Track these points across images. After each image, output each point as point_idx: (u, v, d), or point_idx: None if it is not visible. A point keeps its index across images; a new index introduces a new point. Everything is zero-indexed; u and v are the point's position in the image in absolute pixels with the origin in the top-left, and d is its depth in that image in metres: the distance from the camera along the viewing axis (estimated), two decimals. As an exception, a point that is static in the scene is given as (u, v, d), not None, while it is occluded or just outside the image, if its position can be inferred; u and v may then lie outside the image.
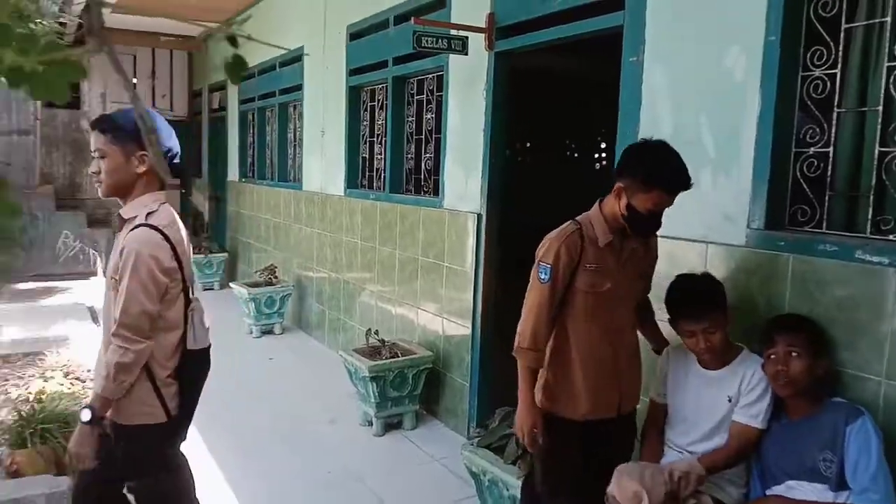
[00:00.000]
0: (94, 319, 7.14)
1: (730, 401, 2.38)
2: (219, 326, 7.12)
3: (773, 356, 2.21)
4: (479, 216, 4.22)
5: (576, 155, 10.05)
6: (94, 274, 9.61)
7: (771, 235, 2.52)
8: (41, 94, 0.80)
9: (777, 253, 2.49)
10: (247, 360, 5.98)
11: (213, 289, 8.99)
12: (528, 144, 9.93)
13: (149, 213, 2.14)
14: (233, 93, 9.18)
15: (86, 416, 2.13)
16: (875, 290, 2.19)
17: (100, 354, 2.35)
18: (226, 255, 9.23)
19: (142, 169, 2.18)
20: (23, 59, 0.77)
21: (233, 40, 0.98)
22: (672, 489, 2.18)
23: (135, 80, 11.10)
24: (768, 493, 2.25)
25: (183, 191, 12.20)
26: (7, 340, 5.77)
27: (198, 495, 2.61)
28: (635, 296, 2.55)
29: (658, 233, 2.66)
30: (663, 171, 2.27)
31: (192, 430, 4.24)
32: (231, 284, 7.18)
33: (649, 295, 2.68)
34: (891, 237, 2.28)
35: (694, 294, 2.40)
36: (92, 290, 8.48)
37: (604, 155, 9.53)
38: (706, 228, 2.77)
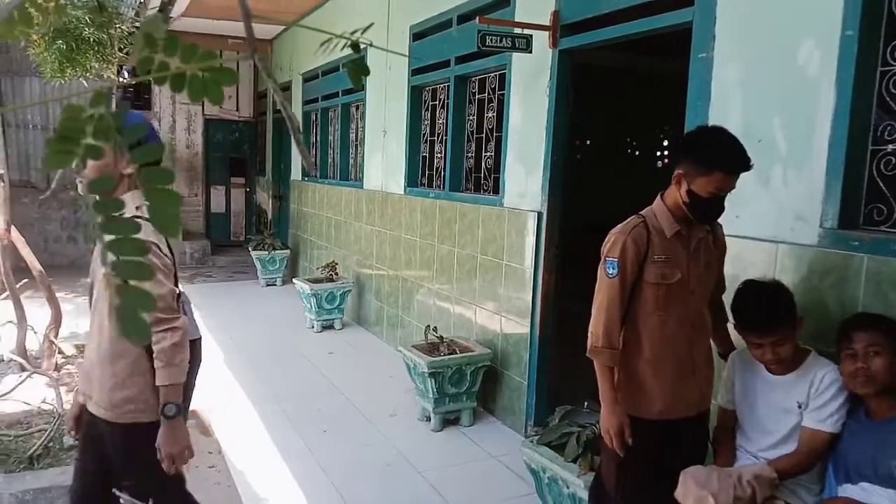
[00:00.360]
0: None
1: (800, 406, 2.32)
2: (281, 321, 7.41)
3: (851, 354, 2.14)
4: (540, 214, 4.22)
5: (637, 153, 9.91)
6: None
7: (845, 235, 2.45)
8: (199, 97, 0.88)
9: (851, 253, 2.41)
10: (308, 354, 6.12)
11: (275, 284, 9.22)
12: (589, 142, 9.85)
13: (137, 208, 2.11)
14: (297, 94, 9.39)
15: (170, 410, 2.13)
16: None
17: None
18: (288, 251, 9.45)
19: (129, 170, 2.16)
20: (185, 66, 0.87)
21: (356, 47, 1.05)
22: (741, 494, 2.14)
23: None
24: (840, 492, 2.19)
25: (247, 189, 12.57)
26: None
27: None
28: (708, 289, 2.49)
29: (727, 232, 2.63)
30: (721, 151, 2.24)
31: (257, 423, 4.43)
32: (294, 280, 7.36)
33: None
34: (976, 238, 2.19)
35: (761, 308, 2.32)
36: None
37: (665, 153, 9.37)
38: (776, 228, 2.70)
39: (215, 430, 4.32)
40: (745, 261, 2.78)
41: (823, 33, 2.52)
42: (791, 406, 2.34)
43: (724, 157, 2.23)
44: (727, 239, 2.60)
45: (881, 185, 2.46)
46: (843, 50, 2.46)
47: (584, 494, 2.71)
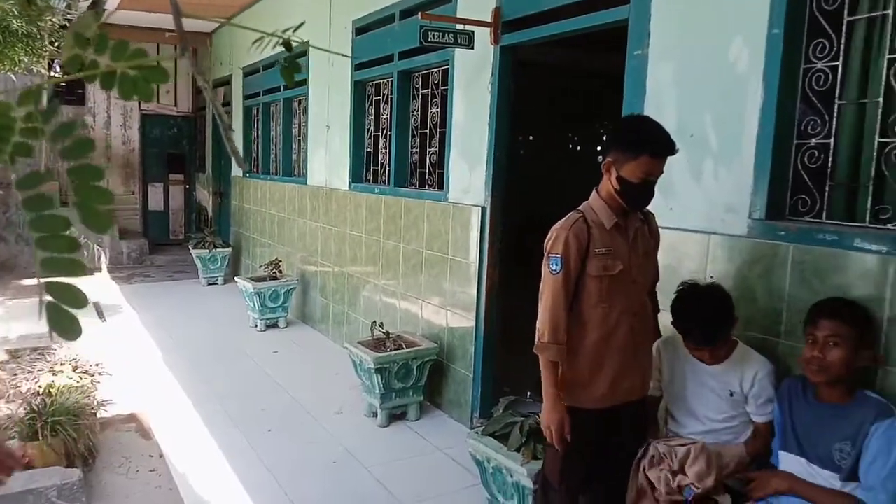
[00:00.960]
0: (100, 315, 7.20)
1: (732, 395, 2.43)
2: (223, 320, 7.26)
3: (812, 340, 2.15)
4: (483, 209, 4.26)
5: (578, 148, 10.09)
6: (99, 269, 9.68)
7: (772, 225, 2.56)
8: (129, 95, 0.89)
9: (778, 243, 2.52)
10: (251, 353, 6.02)
11: (217, 284, 9.03)
12: (532, 138, 9.98)
13: None
14: (237, 88, 9.21)
15: None
16: (871, 278, 2.23)
17: None
18: (230, 250, 9.27)
19: None
20: (115, 65, 0.88)
21: (288, 45, 1.05)
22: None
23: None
24: (781, 457, 2.28)
25: (187, 186, 12.27)
26: (15, 336, 5.83)
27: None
28: (648, 278, 2.57)
29: (662, 224, 2.71)
30: (646, 136, 2.32)
31: (199, 424, 4.34)
32: (236, 279, 7.23)
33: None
34: (889, 226, 2.32)
35: (705, 334, 2.42)
36: (97, 286, 8.54)
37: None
38: (709, 220, 2.80)
39: (155, 433, 4.22)
40: (679, 252, 2.88)
41: (751, 32, 2.62)
42: (723, 394, 2.45)
43: (650, 141, 2.30)
44: (662, 230, 2.68)
45: (805, 177, 2.58)
46: (769, 48, 2.57)
47: (528, 482, 2.76)
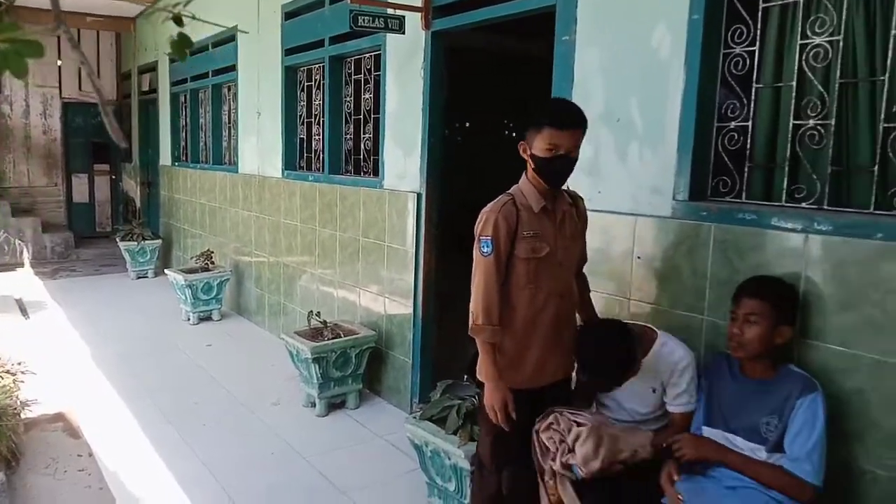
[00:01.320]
0: (23, 312, 6.88)
1: (654, 391, 2.47)
2: (154, 314, 7.06)
3: (733, 317, 2.23)
4: (419, 195, 4.25)
5: (514, 134, 10.18)
6: (21, 265, 9.25)
7: (695, 206, 2.64)
8: (1, 69, 0.86)
9: (700, 223, 2.61)
10: (184, 347, 5.87)
11: (147, 276, 8.75)
12: (468, 124, 10.00)
13: None
14: (164, 75, 8.90)
15: None
16: (788, 255, 2.34)
17: None
18: (160, 241, 8.99)
19: None
20: None
21: (178, 20, 1.01)
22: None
23: (59, 63, 10.62)
24: (705, 431, 2.31)
25: (113, 176, 11.81)
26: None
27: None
28: (574, 261, 2.60)
29: (591, 207, 2.76)
30: (548, 108, 2.42)
31: (130, 421, 4.21)
32: (166, 271, 7.01)
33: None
34: (803, 205, 2.43)
35: (600, 373, 2.46)
36: (20, 282, 8.16)
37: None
38: (635, 202, 2.87)
39: (84, 432, 4.07)
40: (608, 234, 2.94)
41: (673, 17, 2.69)
42: (646, 391, 2.48)
43: (551, 112, 2.37)
44: (591, 213, 2.73)
45: (726, 159, 2.67)
46: (690, 33, 2.64)
47: (466, 464, 2.80)
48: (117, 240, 8.94)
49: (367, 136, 5.00)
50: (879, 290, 2.10)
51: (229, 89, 7.26)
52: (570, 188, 2.58)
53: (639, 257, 2.84)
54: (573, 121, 2.33)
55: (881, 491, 2.12)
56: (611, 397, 2.60)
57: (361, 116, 5.04)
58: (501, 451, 2.54)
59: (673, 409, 2.45)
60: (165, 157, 9.18)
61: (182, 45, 1.00)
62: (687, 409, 2.41)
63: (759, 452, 2.14)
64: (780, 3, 2.50)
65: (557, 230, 2.47)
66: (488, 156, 9.47)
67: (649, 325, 2.55)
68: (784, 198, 2.49)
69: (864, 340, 2.14)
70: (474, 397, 3.05)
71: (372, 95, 4.86)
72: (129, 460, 3.76)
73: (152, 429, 4.15)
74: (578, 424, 2.39)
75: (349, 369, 4.44)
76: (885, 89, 2.22)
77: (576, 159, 2.38)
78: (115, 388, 4.84)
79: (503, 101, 9.29)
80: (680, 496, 2.19)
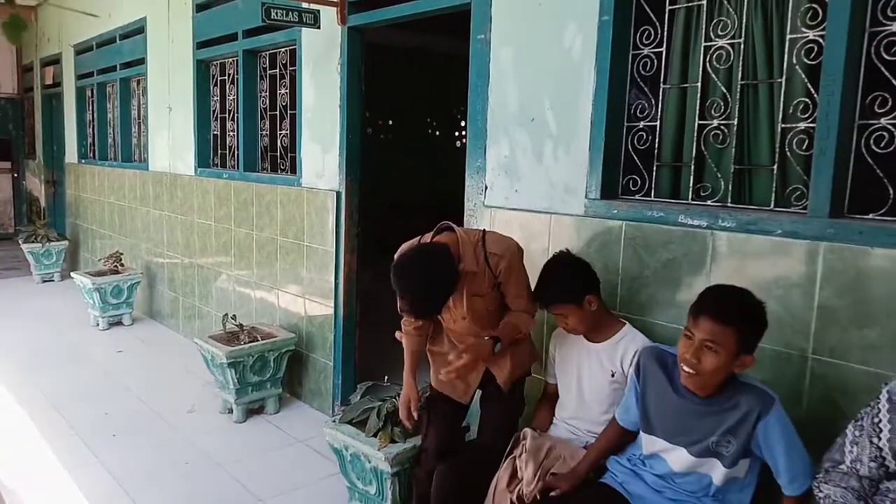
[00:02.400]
0: None
1: (612, 376, 2.45)
2: (60, 320, 6.69)
3: (689, 337, 1.94)
4: (338, 194, 4.17)
5: (437, 133, 10.18)
6: None
7: (606, 204, 2.69)
8: None
9: (611, 220, 2.66)
10: (92, 355, 5.58)
11: (53, 280, 8.28)
12: (391, 122, 9.94)
13: None
14: (69, 67, 8.43)
15: None
16: (694, 251, 2.41)
17: None
18: (66, 243, 8.51)
19: None
20: None
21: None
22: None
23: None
24: (646, 440, 2.20)
25: (15, 174, 11.13)
26: None
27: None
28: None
29: (508, 206, 2.79)
30: None
31: (33, 435, 3.96)
32: (73, 275, 6.64)
33: None
34: (709, 202, 2.51)
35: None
36: None
37: (464, 133, 9.73)
38: (550, 200, 2.90)
39: (-21, 449, 3.81)
40: (525, 231, 2.96)
41: (584, 18, 2.72)
42: (605, 375, 2.47)
43: None
44: (509, 212, 2.75)
45: (636, 158, 2.73)
46: (600, 34, 2.68)
47: (386, 467, 2.76)
48: (20, 241, 8.43)
49: (283, 132, 4.87)
50: (781, 285, 2.19)
51: (139, 83, 6.94)
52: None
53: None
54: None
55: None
56: (573, 387, 2.56)
57: (277, 112, 4.90)
58: (426, 448, 2.65)
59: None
60: (71, 153, 8.71)
61: (15, 28, 0.92)
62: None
63: (716, 466, 2.02)
64: (685, 5, 2.57)
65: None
66: (413, 154, 9.45)
67: (621, 319, 2.54)
68: (690, 195, 2.57)
69: (770, 335, 2.20)
70: (395, 398, 3.01)
71: (288, 91, 4.74)
72: (33, 477, 3.53)
73: (58, 442, 3.92)
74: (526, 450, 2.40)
75: (267, 374, 4.32)
76: (783, 91, 2.31)
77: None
78: (16, 400, 4.54)
79: (427, 99, 9.27)
80: None
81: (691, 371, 1.93)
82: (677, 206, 2.53)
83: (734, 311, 1.90)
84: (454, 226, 2.49)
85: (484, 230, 2.55)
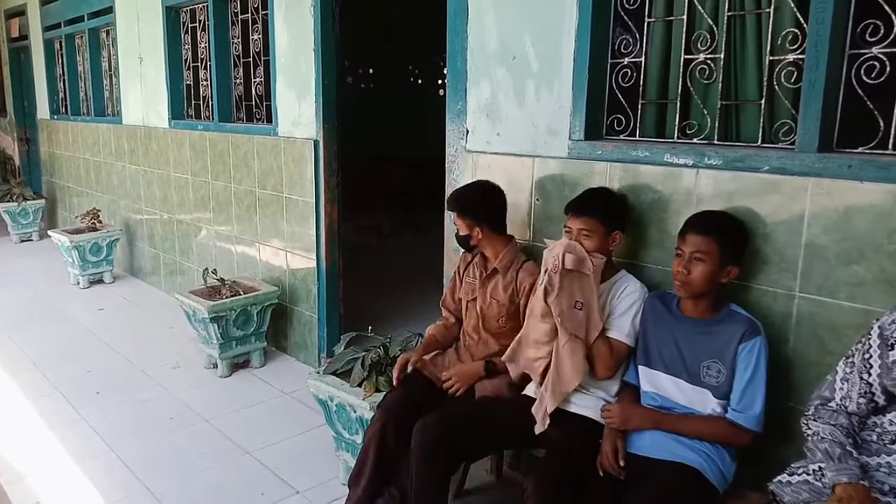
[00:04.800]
0: None
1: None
2: (39, 280, 6.59)
3: (679, 254, 2.12)
4: (316, 143, 4.06)
5: (420, 81, 9.98)
6: None
7: (590, 145, 2.62)
8: None
9: (596, 161, 2.59)
10: (74, 313, 5.51)
11: (31, 240, 8.14)
12: (371, 71, 9.71)
13: None
14: (35, 19, 8.10)
15: None
16: (680, 190, 2.35)
17: None
18: (43, 201, 8.33)
19: None
20: None
21: None
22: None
23: None
24: (641, 371, 2.26)
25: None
26: None
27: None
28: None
29: (490, 150, 2.73)
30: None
31: (15, 395, 3.92)
32: (50, 233, 6.51)
33: None
34: (695, 140, 2.44)
35: (584, 195, 2.42)
36: None
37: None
38: (533, 143, 2.82)
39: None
40: (508, 175, 2.89)
41: (565, -50, 2.60)
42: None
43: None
44: (491, 156, 2.66)
45: (620, 96, 2.64)
46: (582, -34, 2.56)
47: (371, 415, 2.73)
48: (-6, 200, 8.25)
49: (257, 80, 4.71)
50: (767, 222, 2.14)
51: (108, 34, 6.68)
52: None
53: (538, 199, 2.81)
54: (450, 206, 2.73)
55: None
56: None
57: (251, 59, 4.73)
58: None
59: (611, 334, 2.30)
60: (43, 109, 8.45)
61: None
62: (618, 338, 2.29)
63: (707, 398, 2.08)
64: (670, -66, 2.45)
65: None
66: (397, 104, 9.26)
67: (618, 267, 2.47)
68: (676, 134, 2.50)
69: (756, 273, 2.18)
70: (379, 349, 2.98)
71: (261, 36, 4.57)
72: (14, 435, 3.50)
73: (41, 401, 3.88)
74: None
75: (251, 327, 4.27)
76: (771, 21, 2.22)
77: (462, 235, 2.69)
78: (-6, 360, 4.49)
79: (407, 45, 9.04)
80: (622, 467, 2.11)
81: (683, 281, 2.10)
82: (663, 145, 2.46)
83: (714, 223, 2.12)
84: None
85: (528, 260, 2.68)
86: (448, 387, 2.65)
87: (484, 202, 2.65)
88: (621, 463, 2.11)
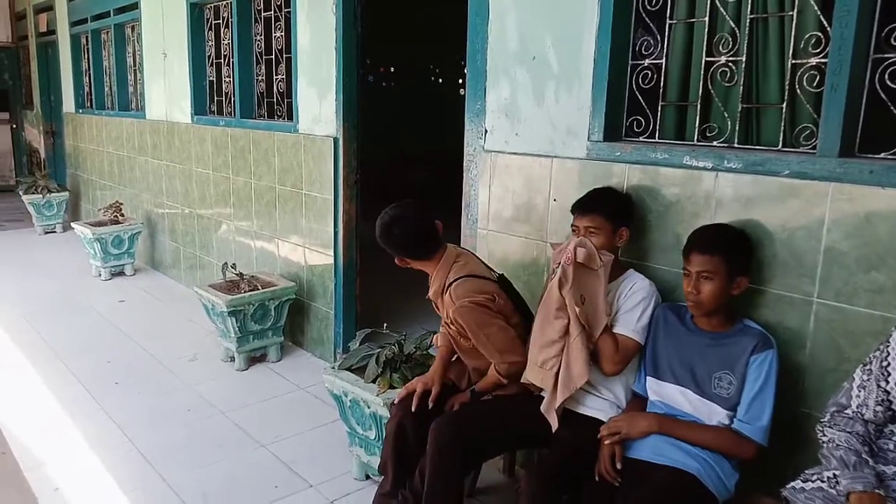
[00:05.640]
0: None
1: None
2: (62, 271, 6.70)
3: (686, 273, 2.12)
4: (336, 140, 4.09)
5: (440, 80, 9.99)
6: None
7: (609, 147, 2.61)
8: None
9: (614, 163, 2.58)
10: (95, 305, 5.59)
11: (55, 231, 8.27)
12: (392, 70, 9.74)
13: None
14: (62, 14, 8.23)
15: None
16: (699, 193, 2.34)
17: None
18: (67, 194, 8.47)
19: None
20: None
21: None
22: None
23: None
24: (648, 382, 2.25)
25: (14, 125, 11.02)
26: None
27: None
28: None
29: (508, 150, 2.72)
30: None
31: (36, 384, 3.99)
32: (73, 225, 6.61)
33: None
34: (714, 143, 2.42)
35: (593, 192, 2.45)
36: None
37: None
38: (551, 143, 2.82)
39: (-18, 395, 3.84)
40: (526, 176, 2.89)
41: (587, -50, 2.59)
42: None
43: None
44: (509, 156, 2.65)
45: (640, 98, 2.63)
46: (604, -33, 2.55)
47: (385, 412, 2.75)
48: (21, 193, 8.38)
49: (279, 77, 4.75)
50: (787, 227, 2.12)
51: (133, 29, 6.78)
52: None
53: (555, 199, 2.81)
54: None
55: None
56: None
57: (273, 57, 4.77)
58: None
59: (618, 329, 2.29)
60: (69, 103, 8.59)
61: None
62: (626, 334, 2.27)
63: (715, 410, 2.07)
64: (693, -65, 2.44)
65: None
66: (417, 103, 9.29)
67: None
68: (696, 136, 2.48)
69: (773, 278, 2.16)
70: (394, 346, 3.00)
71: (283, 34, 4.61)
72: (35, 424, 3.56)
73: (61, 391, 3.94)
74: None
75: (268, 322, 4.31)
76: (794, 24, 2.20)
77: None
78: (19, 349, 4.57)
79: (428, 43, 9.06)
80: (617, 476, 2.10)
81: (695, 301, 2.10)
82: (683, 147, 2.45)
83: (716, 239, 2.11)
84: (452, 246, 2.63)
85: (455, 280, 2.49)
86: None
87: (389, 238, 2.51)
88: (618, 466, 2.11)
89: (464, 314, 2.43)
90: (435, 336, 2.86)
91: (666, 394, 2.20)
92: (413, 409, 2.53)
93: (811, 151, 2.14)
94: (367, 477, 3.04)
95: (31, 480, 3.05)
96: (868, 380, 1.77)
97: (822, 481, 1.76)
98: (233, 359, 4.30)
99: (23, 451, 3.29)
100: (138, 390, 3.97)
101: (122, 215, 6.49)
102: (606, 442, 2.17)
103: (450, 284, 2.49)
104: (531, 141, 2.90)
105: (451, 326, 2.52)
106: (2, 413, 3.65)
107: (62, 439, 3.41)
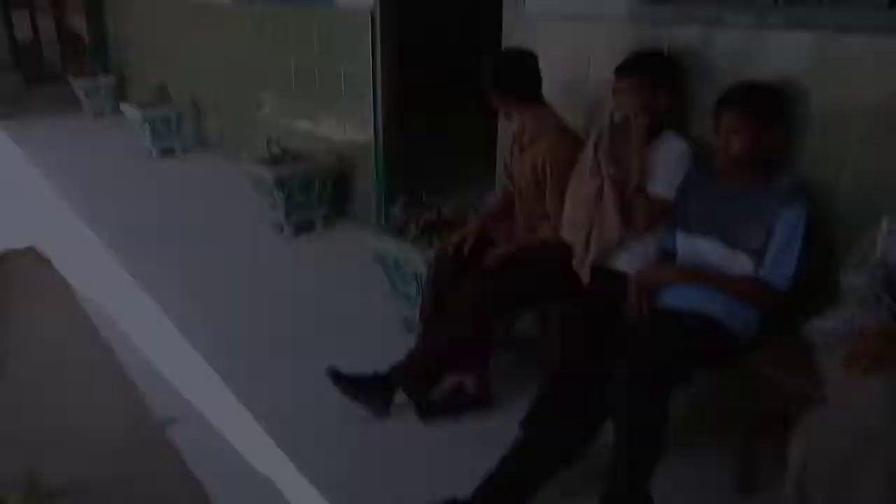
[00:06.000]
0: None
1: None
2: (115, 152, 6.89)
3: (717, 131, 2.15)
4: (373, 15, 4.06)
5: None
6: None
7: (652, 7, 2.58)
8: None
9: (657, 24, 2.56)
10: (148, 182, 5.87)
11: (105, 114, 8.48)
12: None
13: None
14: None
15: None
16: (741, 51, 2.32)
17: None
18: (114, 78, 8.61)
19: None
20: None
21: None
22: None
23: None
24: (678, 238, 2.30)
25: (58, 13, 11.01)
26: None
27: None
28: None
29: (551, 15, 2.77)
30: None
31: (100, 254, 4.26)
32: (122, 107, 6.78)
33: None
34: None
35: (637, 55, 2.45)
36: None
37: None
38: (593, 6, 2.78)
39: (57, 264, 4.13)
40: (567, 40, 2.88)
41: None
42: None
43: None
44: (550, 24, 2.62)
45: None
46: None
47: (423, 269, 2.92)
48: (69, 79, 8.54)
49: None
50: (826, 84, 2.11)
51: None
52: None
53: (595, 64, 2.80)
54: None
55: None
56: None
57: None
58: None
59: (649, 189, 2.37)
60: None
61: None
62: (659, 193, 2.36)
63: (743, 260, 2.11)
64: None
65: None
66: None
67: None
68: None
69: (808, 134, 2.18)
70: (433, 211, 3.13)
71: None
72: (105, 288, 3.86)
73: (124, 257, 4.22)
74: None
75: (314, 194, 4.49)
76: None
77: None
78: (84, 223, 4.86)
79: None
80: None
81: (724, 157, 2.13)
82: (724, 4, 2.39)
83: (741, 95, 2.12)
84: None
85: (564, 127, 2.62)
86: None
87: (523, 67, 2.60)
88: (644, 312, 2.22)
89: (557, 157, 2.55)
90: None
91: (695, 247, 2.25)
92: (449, 255, 2.69)
93: (859, 5, 2.09)
94: (409, 330, 3.26)
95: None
96: (894, 224, 1.81)
97: (843, 320, 1.80)
98: (282, 229, 4.53)
99: (97, 311, 3.58)
100: (198, 256, 4.25)
101: (169, 96, 6.62)
102: (634, 290, 2.28)
103: (560, 128, 2.62)
104: (573, 4, 2.86)
105: (537, 169, 2.60)
106: (74, 279, 3.95)
107: (131, 300, 3.73)
